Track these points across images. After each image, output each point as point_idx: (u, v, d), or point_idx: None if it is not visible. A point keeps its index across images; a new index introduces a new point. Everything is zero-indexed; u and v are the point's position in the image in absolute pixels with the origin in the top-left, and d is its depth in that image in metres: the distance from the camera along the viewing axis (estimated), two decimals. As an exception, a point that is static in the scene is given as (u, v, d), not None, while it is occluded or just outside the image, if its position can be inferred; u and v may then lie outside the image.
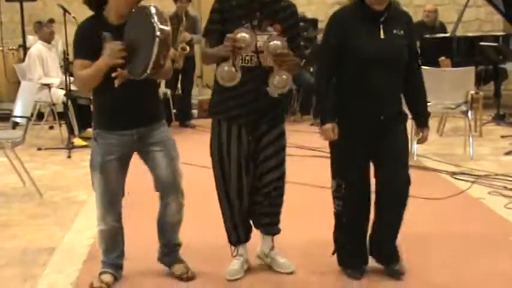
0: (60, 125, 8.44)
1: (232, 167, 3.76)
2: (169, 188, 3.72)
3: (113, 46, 3.35)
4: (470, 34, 9.97)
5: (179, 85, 9.23)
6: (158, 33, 3.16)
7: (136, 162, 3.77)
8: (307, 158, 6.81)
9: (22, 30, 9.48)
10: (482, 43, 9.15)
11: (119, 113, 3.56)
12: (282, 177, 3.87)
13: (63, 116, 8.28)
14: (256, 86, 3.62)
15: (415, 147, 6.62)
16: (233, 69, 3.50)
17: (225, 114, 3.72)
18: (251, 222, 3.97)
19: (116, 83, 3.35)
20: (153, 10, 3.25)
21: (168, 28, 3.22)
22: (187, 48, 8.79)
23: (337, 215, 3.82)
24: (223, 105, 3.72)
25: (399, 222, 3.79)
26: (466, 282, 3.75)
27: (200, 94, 10.74)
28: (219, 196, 3.86)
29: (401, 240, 3.83)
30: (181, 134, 8.81)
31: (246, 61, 3.58)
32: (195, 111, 9.97)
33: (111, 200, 3.69)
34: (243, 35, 3.47)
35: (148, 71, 3.22)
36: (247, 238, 3.98)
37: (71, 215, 5.20)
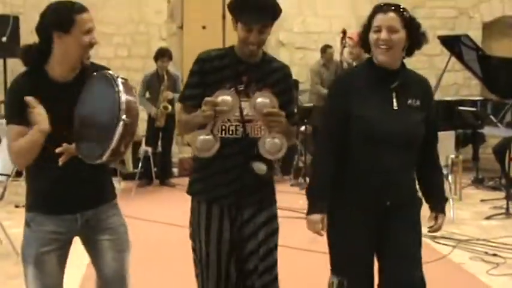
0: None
1: (211, 256, 3.22)
2: (114, 286, 3.09)
3: (35, 110, 2.71)
4: (448, 98, 10.11)
5: (159, 143, 9.24)
6: (124, 116, 2.58)
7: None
8: (288, 220, 6.78)
9: (4, 86, 9.44)
10: (460, 108, 9.28)
11: (59, 192, 2.91)
12: (270, 271, 3.25)
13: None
14: (242, 161, 3.12)
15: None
16: (211, 137, 2.97)
17: (205, 194, 3.21)
18: None
19: (61, 160, 2.73)
20: (120, 85, 2.66)
21: (136, 108, 2.67)
22: (169, 107, 8.85)
23: None
24: (203, 183, 3.24)
25: None
26: None
27: (180, 152, 10.72)
28: (197, 283, 3.32)
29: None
30: (161, 192, 8.78)
31: (231, 132, 3.12)
32: (175, 170, 9.95)
33: None
34: (224, 97, 2.95)
35: (104, 158, 2.64)
36: None
37: (49, 275, 5.07)
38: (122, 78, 2.72)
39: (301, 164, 9.38)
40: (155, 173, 9.28)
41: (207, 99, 2.94)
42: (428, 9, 11.07)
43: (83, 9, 2.85)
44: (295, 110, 3.39)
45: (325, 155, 3.09)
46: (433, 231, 3.24)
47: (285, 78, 3.27)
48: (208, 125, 2.97)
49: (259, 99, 2.98)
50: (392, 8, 2.99)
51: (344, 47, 7.99)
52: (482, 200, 8.03)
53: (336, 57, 9.64)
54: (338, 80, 3.30)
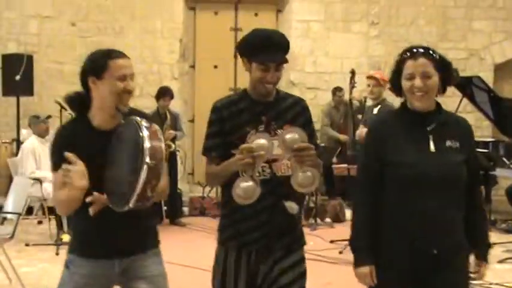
0: (49, 219, 8.35)
1: None
2: None
3: (73, 167, 2.66)
4: (460, 139, 10.07)
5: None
6: (147, 159, 2.56)
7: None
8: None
9: (17, 124, 9.49)
10: (473, 149, 9.22)
11: (98, 237, 2.92)
12: None
13: (52, 210, 8.20)
14: (272, 202, 3.05)
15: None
16: (252, 183, 2.88)
17: (235, 240, 3.14)
18: None
19: (91, 210, 2.72)
20: (144, 129, 2.64)
21: (161, 152, 2.64)
22: (172, 145, 8.88)
23: None
24: (232, 229, 3.15)
25: None
26: None
27: (191, 191, 10.69)
28: None
29: None
30: (171, 232, 8.72)
31: (258, 174, 3.01)
32: (186, 209, 9.89)
33: None
34: (259, 141, 2.89)
35: (130, 205, 2.61)
36: None
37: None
38: (147, 123, 2.68)
39: (312, 204, 9.32)
40: (165, 212, 9.24)
41: (243, 146, 2.89)
42: (439, 50, 11.03)
43: (118, 55, 2.89)
44: (318, 142, 3.31)
45: (365, 205, 3.00)
46: (475, 279, 3.13)
47: (302, 112, 3.24)
48: (247, 171, 2.91)
49: (288, 136, 2.91)
50: (422, 51, 2.92)
51: (353, 87, 8.02)
52: (494, 243, 7.93)
53: (346, 96, 9.66)
54: (373, 128, 3.18)
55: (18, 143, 9.47)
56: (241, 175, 2.94)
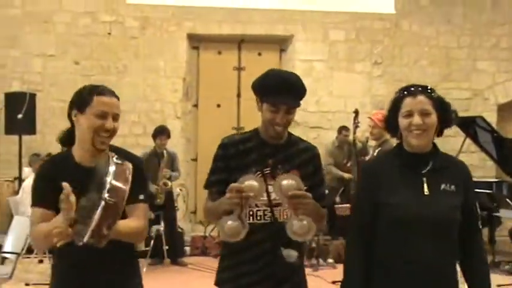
0: (49, 258, 8.27)
1: None
2: None
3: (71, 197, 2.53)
4: (464, 180, 10.01)
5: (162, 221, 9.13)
6: (106, 195, 2.48)
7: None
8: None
9: (19, 162, 9.46)
10: (476, 190, 9.14)
11: (73, 280, 2.86)
12: None
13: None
14: (273, 247, 2.96)
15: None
16: (238, 223, 2.82)
17: (233, 283, 3.04)
18: None
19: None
20: (112, 166, 2.60)
21: (122, 192, 2.55)
22: (169, 183, 8.89)
23: None
24: (230, 271, 3.07)
25: None
26: None
27: (193, 230, 10.60)
28: None
29: None
30: (171, 271, 8.62)
31: (259, 217, 2.98)
32: (188, 248, 9.79)
33: None
34: (250, 182, 2.83)
35: (84, 239, 2.48)
36: None
37: None
38: (118, 160, 2.64)
39: (313, 245, 9.24)
40: (166, 251, 9.14)
41: (232, 185, 2.82)
42: (442, 90, 10.99)
43: (105, 92, 2.87)
44: (326, 191, 3.24)
45: (356, 250, 2.92)
46: None
47: (312, 159, 3.16)
48: (235, 211, 2.84)
49: (285, 182, 2.85)
50: (421, 89, 2.87)
51: (356, 126, 8.00)
52: (499, 285, 7.83)
53: (350, 136, 9.64)
54: (367, 172, 3.08)
55: (20, 181, 9.44)
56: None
